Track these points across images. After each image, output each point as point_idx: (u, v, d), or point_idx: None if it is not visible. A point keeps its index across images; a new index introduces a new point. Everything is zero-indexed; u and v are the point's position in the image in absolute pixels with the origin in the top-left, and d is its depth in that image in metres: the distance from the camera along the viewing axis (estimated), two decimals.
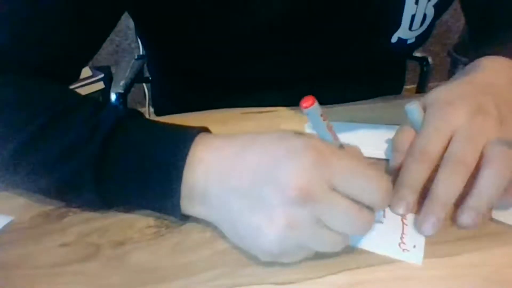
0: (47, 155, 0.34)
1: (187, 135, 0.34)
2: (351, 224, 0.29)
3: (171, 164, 0.32)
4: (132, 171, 0.33)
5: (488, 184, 0.34)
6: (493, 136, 0.36)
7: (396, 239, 0.34)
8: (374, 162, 0.43)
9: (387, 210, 0.36)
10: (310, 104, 0.30)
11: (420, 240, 0.33)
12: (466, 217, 0.34)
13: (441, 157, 0.36)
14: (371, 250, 0.33)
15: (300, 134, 0.32)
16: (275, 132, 0.32)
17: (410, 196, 0.36)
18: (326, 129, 0.31)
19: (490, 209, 0.36)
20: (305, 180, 0.28)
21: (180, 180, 0.32)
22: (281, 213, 0.28)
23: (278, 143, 0.31)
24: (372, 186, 0.29)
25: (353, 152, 0.33)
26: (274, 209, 0.29)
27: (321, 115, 0.31)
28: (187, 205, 0.33)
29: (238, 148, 0.32)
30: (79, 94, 0.40)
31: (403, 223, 0.35)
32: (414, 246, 0.33)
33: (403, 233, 0.34)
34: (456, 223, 0.34)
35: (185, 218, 0.35)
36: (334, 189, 0.29)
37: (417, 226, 0.34)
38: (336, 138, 0.32)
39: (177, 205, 0.33)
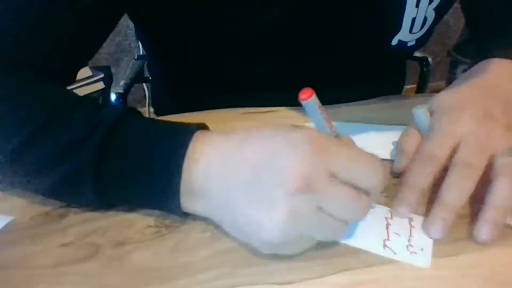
0: (47, 154, 0.34)
1: (186, 132, 0.34)
2: (350, 209, 0.30)
3: (171, 160, 0.33)
4: (132, 168, 0.34)
5: (502, 196, 0.34)
6: (500, 143, 0.36)
7: (404, 241, 0.33)
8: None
9: (394, 212, 0.36)
10: (308, 96, 0.30)
11: (428, 243, 0.33)
12: (484, 231, 0.33)
13: (448, 162, 0.37)
14: (379, 253, 0.32)
15: (297, 126, 0.32)
16: (272, 126, 0.33)
17: (414, 197, 0.36)
18: (323, 120, 0.32)
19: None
20: (305, 170, 0.29)
21: (179, 176, 0.32)
22: (282, 204, 0.29)
23: (276, 135, 0.31)
24: (370, 170, 0.30)
25: (348, 141, 0.34)
26: (275, 200, 0.29)
27: (319, 107, 0.32)
28: (187, 202, 0.33)
29: (237, 142, 0.32)
30: (76, 95, 0.41)
31: (411, 226, 0.35)
32: (422, 249, 0.33)
33: (410, 235, 0.34)
34: (474, 238, 0.34)
35: (185, 215, 0.35)
36: (333, 177, 0.30)
37: (425, 229, 0.34)
38: (333, 129, 0.33)
39: (177, 202, 0.33)
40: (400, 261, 0.32)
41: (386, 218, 0.35)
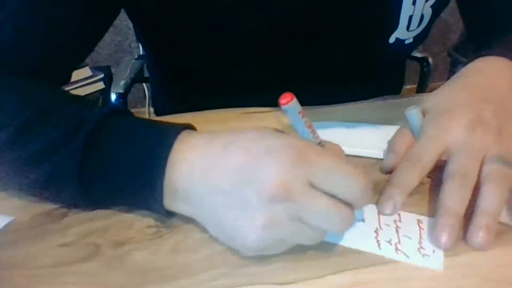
0: (32, 151, 0.35)
1: (170, 133, 0.34)
2: (329, 220, 0.29)
3: (154, 161, 0.33)
4: (115, 168, 0.34)
5: (491, 202, 0.34)
6: (492, 147, 0.37)
7: (415, 244, 0.33)
8: (369, 162, 0.43)
9: (402, 214, 0.36)
10: (288, 101, 0.30)
11: None
12: (476, 237, 0.33)
13: (434, 165, 0.38)
14: (392, 257, 0.32)
15: (280, 132, 0.32)
16: (256, 130, 0.32)
17: (398, 196, 0.36)
18: (305, 126, 0.32)
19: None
20: (284, 178, 0.29)
21: (162, 178, 0.32)
22: (261, 212, 0.29)
23: (258, 142, 0.31)
24: (351, 182, 0.30)
25: (333, 150, 0.33)
26: (255, 208, 0.29)
27: (300, 112, 0.31)
28: (171, 202, 0.33)
29: (220, 147, 0.32)
30: (68, 93, 0.41)
31: (420, 228, 0.35)
32: (434, 251, 0.32)
33: (421, 238, 0.34)
34: (468, 244, 0.33)
35: (170, 215, 0.35)
36: (313, 186, 0.29)
37: (435, 239, 0.33)
38: (315, 135, 0.32)
39: (160, 202, 0.33)
40: (404, 262, 0.32)
41: (395, 221, 0.35)
